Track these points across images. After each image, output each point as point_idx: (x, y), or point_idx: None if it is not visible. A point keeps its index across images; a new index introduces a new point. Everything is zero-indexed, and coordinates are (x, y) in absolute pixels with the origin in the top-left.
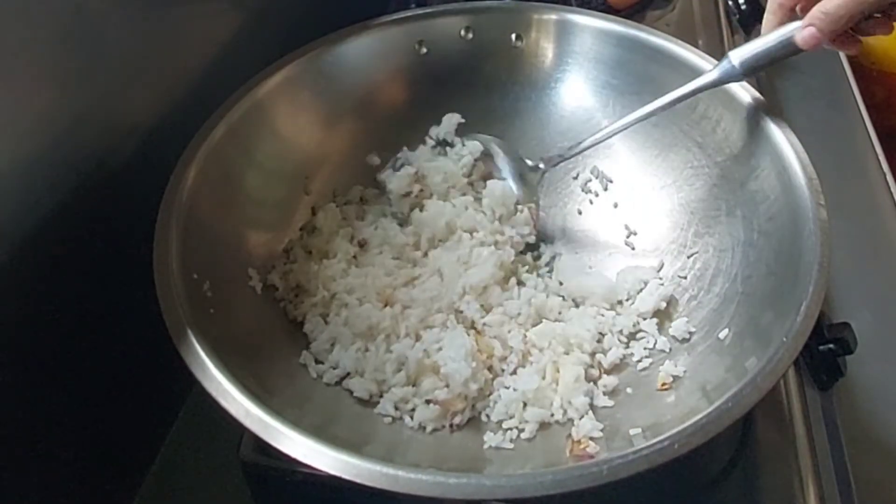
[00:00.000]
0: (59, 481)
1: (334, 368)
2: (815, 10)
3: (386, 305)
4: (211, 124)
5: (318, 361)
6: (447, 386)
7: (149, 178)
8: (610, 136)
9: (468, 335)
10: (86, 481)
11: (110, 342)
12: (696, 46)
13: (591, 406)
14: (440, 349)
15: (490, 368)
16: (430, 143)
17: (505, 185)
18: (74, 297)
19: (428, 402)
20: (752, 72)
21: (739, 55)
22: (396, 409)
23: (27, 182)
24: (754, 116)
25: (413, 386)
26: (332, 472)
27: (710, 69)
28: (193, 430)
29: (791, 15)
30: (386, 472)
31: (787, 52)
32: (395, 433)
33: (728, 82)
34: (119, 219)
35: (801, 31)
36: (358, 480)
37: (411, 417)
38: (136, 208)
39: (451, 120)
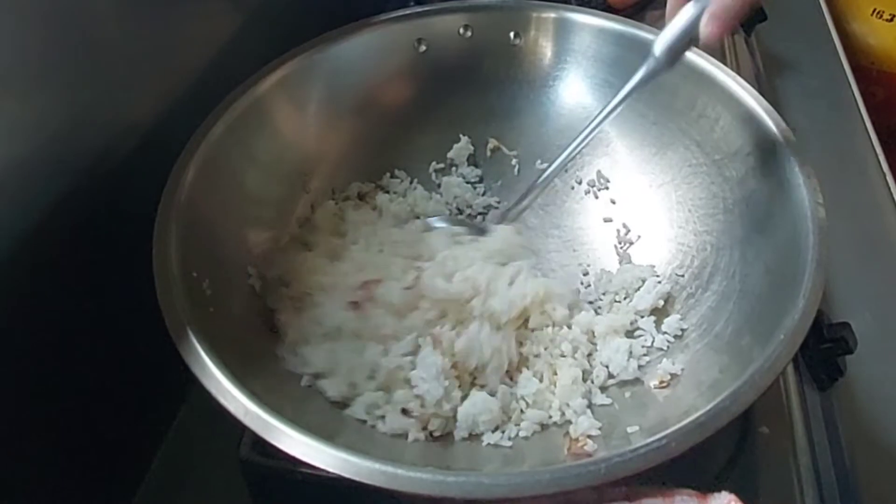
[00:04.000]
0: (58, 481)
1: (306, 367)
2: (715, 7)
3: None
4: (210, 122)
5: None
6: (422, 405)
7: (149, 177)
8: (553, 176)
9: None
10: (85, 481)
11: (109, 341)
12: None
13: (590, 405)
14: (412, 367)
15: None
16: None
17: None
18: (73, 296)
19: (404, 411)
20: (675, 58)
21: (661, 46)
22: (368, 413)
23: (26, 181)
24: (752, 115)
25: (385, 392)
26: (332, 470)
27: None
28: (193, 430)
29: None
30: (385, 471)
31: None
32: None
33: (659, 74)
34: (118, 217)
35: (703, 28)
36: (357, 479)
37: (383, 422)
38: (136, 207)
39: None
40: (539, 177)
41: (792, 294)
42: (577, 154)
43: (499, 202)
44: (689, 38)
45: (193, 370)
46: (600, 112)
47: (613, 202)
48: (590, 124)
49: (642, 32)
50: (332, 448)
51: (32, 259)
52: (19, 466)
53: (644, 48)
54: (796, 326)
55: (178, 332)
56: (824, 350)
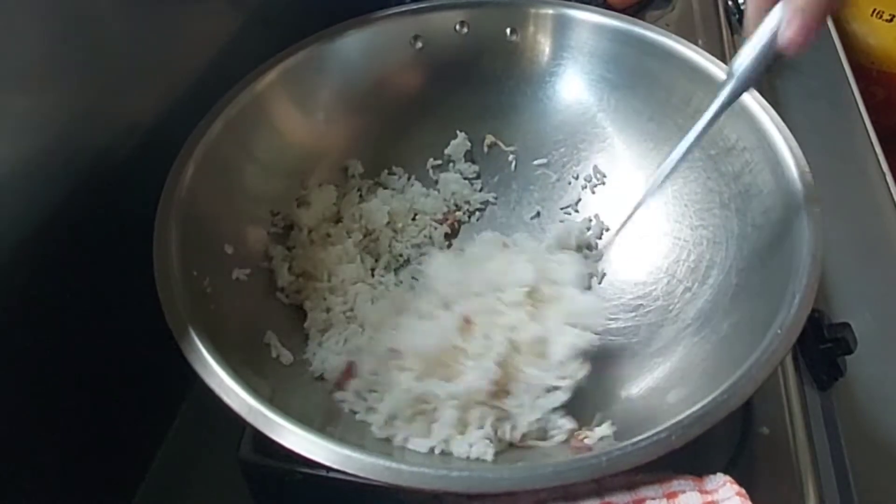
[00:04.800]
0: (58, 481)
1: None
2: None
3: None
4: (209, 120)
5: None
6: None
7: (149, 176)
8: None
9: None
10: (85, 481)
11: (109, 341)
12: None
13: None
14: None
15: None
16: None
17: None
18: (73, 296)
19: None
20: (758, 77)
21: (741, 63)
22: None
23: (27, 180)
24: (748, 111)
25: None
26: (336, 466)
27: (721, 83)
28: (192, 430)
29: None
30: (389, 466)
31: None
32: None
33: (739, 96)
34: (119, 217)
35: (785, 28)
36: (361, 474)
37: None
38: (136, 206)
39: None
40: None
41: (788, 288)
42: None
43: (496, 198)
44: (773, 52)
45: (196, 368)
46: (676, 152)
47: (610, 197)
48: (667, 167)
49: (639, 28)
50: (336, 444)
51: (32, 258)
52: (19, 466)
53: (641, 44)
54: (793, 320)
55: (180, 330)
56: (824, 350)
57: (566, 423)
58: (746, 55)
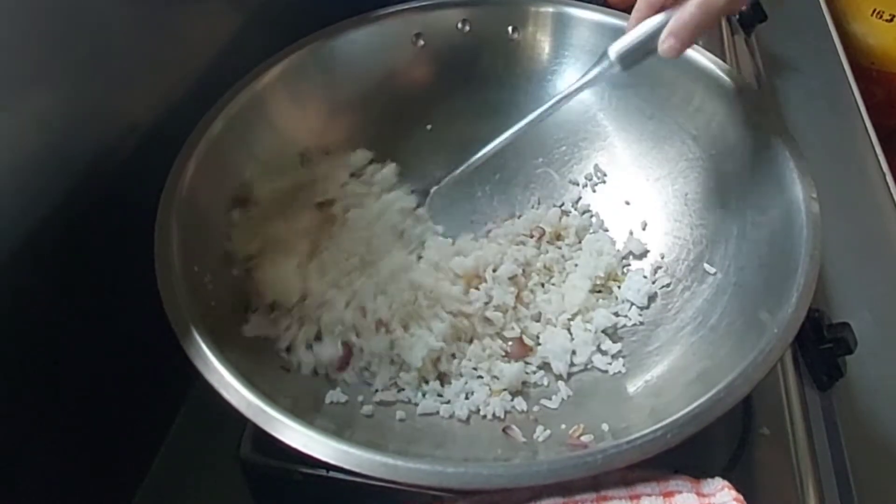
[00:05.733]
0: (58, 481)
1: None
2: (674, 23)
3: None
4: (210, 118)
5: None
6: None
7: (149, 176)
8: (496, 148)
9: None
10: (85, 481)
11: (110, 341)
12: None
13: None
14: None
15: None
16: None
17: None
18: (74, 295)
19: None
20: (630, 64)
21: (616, 50)
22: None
23: (29, 179)
24: (748, 111)
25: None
26: (333, 462)
27: (596, 61)
28: (193, 430)
29: (658, 10)
30: (385, 462)
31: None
32: (408, 429)
33: (609, 76)
34: (120, 215)
35: (661, 43)
36: (358, 470)
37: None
38: (138, 205)
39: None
40: (471, 160)
41: (786, 288)
42: (507, 142)
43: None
44: (647, 49)
45: (196, 364)
46: (540, 108)
47: (610, 197)
48: (527, 118)
49: None
50: (334, 440)
51: (33, 258)
52: (19, 466)
53: None
54: (790, 320)
55: (181, 326)
56: (824, 350)
57: None
58: (626, 44)
